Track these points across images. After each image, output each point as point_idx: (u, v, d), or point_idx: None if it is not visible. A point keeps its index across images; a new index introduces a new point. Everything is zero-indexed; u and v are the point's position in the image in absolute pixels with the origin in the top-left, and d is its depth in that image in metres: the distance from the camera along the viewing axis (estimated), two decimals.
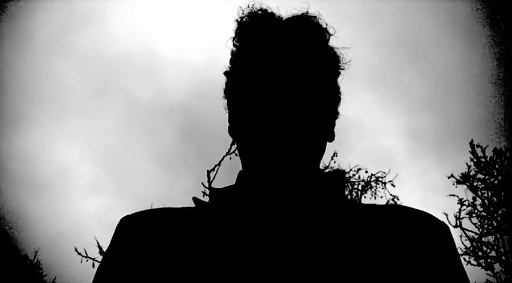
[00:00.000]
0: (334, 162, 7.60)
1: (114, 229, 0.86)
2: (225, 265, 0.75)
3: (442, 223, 0.84)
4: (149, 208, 0.90)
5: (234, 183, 0.90)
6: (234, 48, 0.88)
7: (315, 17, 0.86)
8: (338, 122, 0.90)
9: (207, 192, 5.35)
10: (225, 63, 0.89)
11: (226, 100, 0.90)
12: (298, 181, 0.82)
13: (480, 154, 7.78)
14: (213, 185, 5.28)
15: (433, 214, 0.85)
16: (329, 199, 0.84)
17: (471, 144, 7.84)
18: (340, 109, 0.90)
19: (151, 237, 0.81)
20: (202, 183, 5.33)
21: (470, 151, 7.83)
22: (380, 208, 0.85)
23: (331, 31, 0.87)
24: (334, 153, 7.56)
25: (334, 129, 0.90)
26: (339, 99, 0.90)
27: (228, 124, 0.90)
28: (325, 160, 7.54)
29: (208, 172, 5.32)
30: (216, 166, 5.33)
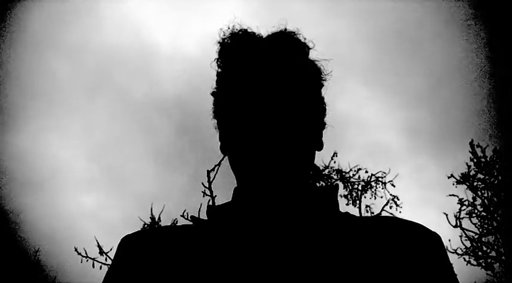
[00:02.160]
0: (334, 162, 7.63)
1: (116, 249, 0.88)
2: (225, 282, 0.76)
3: (434, 233, 0.86)
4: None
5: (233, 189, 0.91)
6: (219, 69, 0.91)
7: (294, 32, 0.89)
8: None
9: (207, 192, 5.36)
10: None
11: (215, 120, 0.93)
12: (292, 194, 0.84)
13: (480, 154, 7.79)
14: (212, 184, 5.29)
15: (426, 222, 0.87)
16: (323, 214, 0.86)
17: (471, 144, 7.84)
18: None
19: (152, 256, 0.83)
20: (202, 183, 5.34)
21: (470, 151, 7.83)
22: (373, 220, 0.87)
23: (310, 45, 0.90)
24: (334, 153, 7.57)
25: (323, 138, 0.92)
26: (324, 110, 0.92)
27: (219, 143, 0.93)
28: (325, 161, 7.56)
29: (208, 172, 5.32)
30: (216, 166, 5.33)
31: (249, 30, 0.90)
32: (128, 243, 0.87)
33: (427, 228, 0.86)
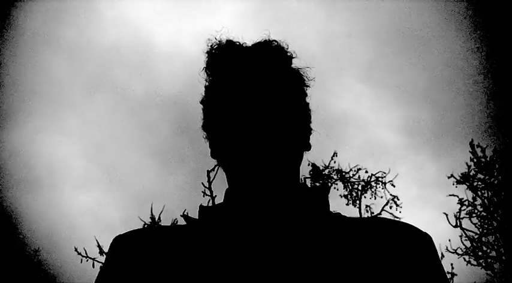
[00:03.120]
0: (334, 162, 7.63)
1: (108, 249, 0.90)
2: (217, 282, 0.78)
3: (425, 234, 0.87)
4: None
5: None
6: (207, 78, 0.95)
7: (277, 41, 0.94)
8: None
9: (207, 192, 5.36)
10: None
11: (205, 127, 0.96)
12: (281, 194, 0.86)
13: (480, 154, 7.78)
14: (212, 184, 5.29)
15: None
16: (314, 215, 0.87)
17: (471, 144, 7.84)
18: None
19: (144, 256, 0.84)
20: (202, 183, 5.34)
21: (470, 152, 7.83)
22: (364, 221, 0.89)
23: (293, 54, 0.94)
24: (334, 153, 7.57)
25: (315, 141, 0.96)
26: (308, 113, 0.96)
27: (210, 149, 0.96)
28: (325, 161, 7.56)
29: (208, 172, 5.33)
30: (216, 166, 5.32)
31: (234, 40, 0.94)
32: (119, 243, 0.88)
33: (418, 229, 0.87)
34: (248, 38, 0.95)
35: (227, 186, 0.93)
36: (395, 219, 0.92)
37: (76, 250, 6.06)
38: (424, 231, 0.87)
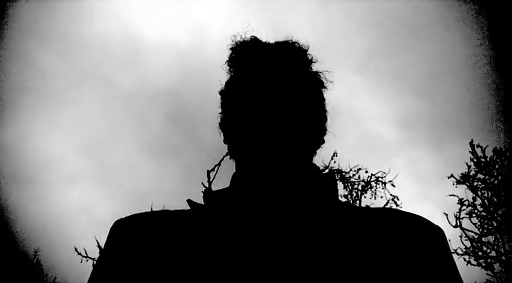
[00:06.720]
0: (334, 162, 7.61)
1: (108, 233, 0.87)
2: (221, 268, 0.77)
3: (437, 227, 0.86)
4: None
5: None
6: (231, 70, 0.98)
7: (299, 43, 0.97)
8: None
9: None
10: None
11: (220, 116, 0.98)
12: (290, 180, 0.86)
13: (480, 154, 7.79)
14: (212, 184, 5.28)
15: (428, 217, 0.86)
16: (322, 202, 0.86)
17: (471, 144, 7.84)
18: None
19: (146, 241, 0.82)
20: (202, 183, 5.33)
21: (470, 151, 7.83)
22: (374, 211, 0.87)
23: (314, 57, 0.97)
24: (334, 153, 7.57)
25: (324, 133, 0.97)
26: (323, 114, 0.97)
27: (224, 136, 0.96)
28: (325, 161, 7.56)
29: (208, 172, 5.31)
30: (216, 166, 5.32)
31: (258, 37, 0.97)
32: (120, 227, 0.86)
33: (430, 221, 0.86)
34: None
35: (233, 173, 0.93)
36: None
37: (76, 250, 6.05)
38: (435, 224, 0.86)
